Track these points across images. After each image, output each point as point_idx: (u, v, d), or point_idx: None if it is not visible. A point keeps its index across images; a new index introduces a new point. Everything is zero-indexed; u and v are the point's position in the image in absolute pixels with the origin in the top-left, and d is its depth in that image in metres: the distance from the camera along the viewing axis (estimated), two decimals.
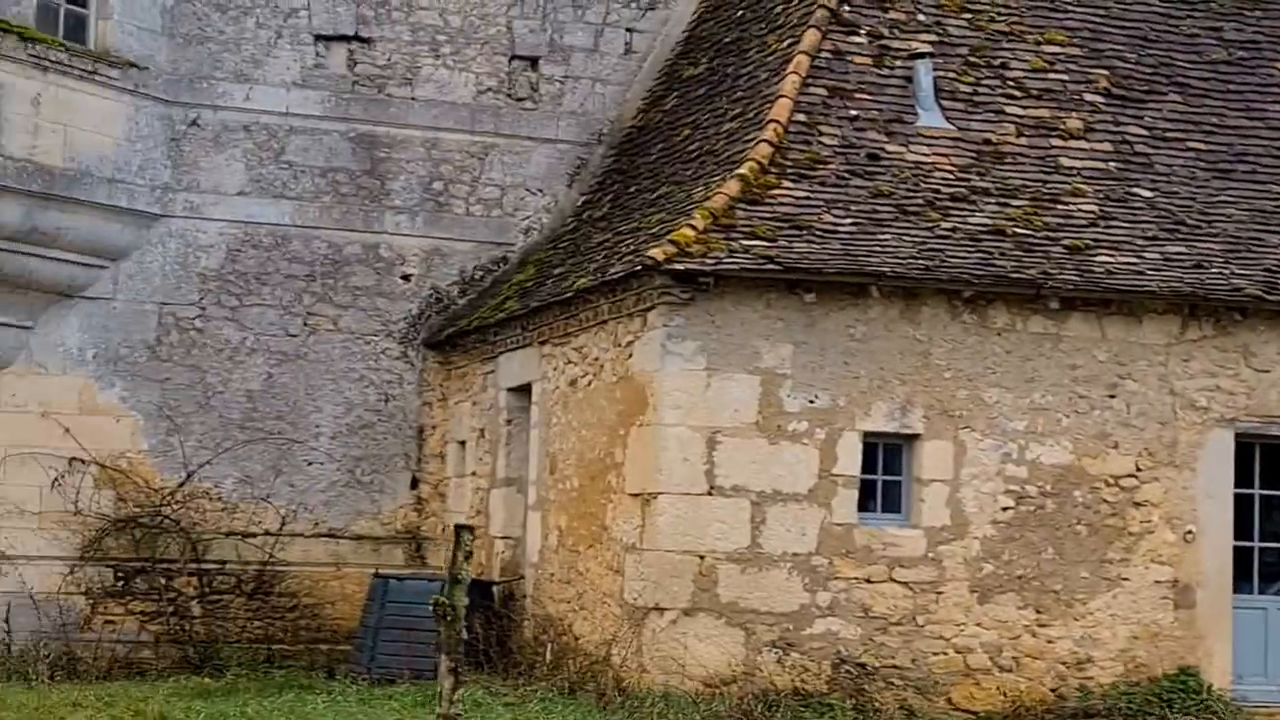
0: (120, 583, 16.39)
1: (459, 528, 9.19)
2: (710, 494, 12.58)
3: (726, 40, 16.63)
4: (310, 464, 17.10)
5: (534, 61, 17.87)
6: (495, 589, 15.41)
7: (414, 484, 17.41)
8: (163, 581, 16.43)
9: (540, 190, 17.86)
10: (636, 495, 12.85)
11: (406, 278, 17.48)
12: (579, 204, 17.69)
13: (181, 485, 16.62)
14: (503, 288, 17.02)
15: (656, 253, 12.44)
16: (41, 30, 15.65)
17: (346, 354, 17.25)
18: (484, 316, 16.31)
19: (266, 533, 16.85)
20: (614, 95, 18.05)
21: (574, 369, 14.24)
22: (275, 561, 16.76)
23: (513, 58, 17.80)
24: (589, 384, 13.93)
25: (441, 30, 17.58)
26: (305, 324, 17.17)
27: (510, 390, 15.76)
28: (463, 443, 16.96)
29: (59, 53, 15.69)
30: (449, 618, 8.58)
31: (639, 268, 12.62)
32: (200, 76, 16.91)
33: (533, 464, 15.12)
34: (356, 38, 17.38)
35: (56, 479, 16.32)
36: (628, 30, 18.13)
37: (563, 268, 15.52)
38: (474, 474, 16.57)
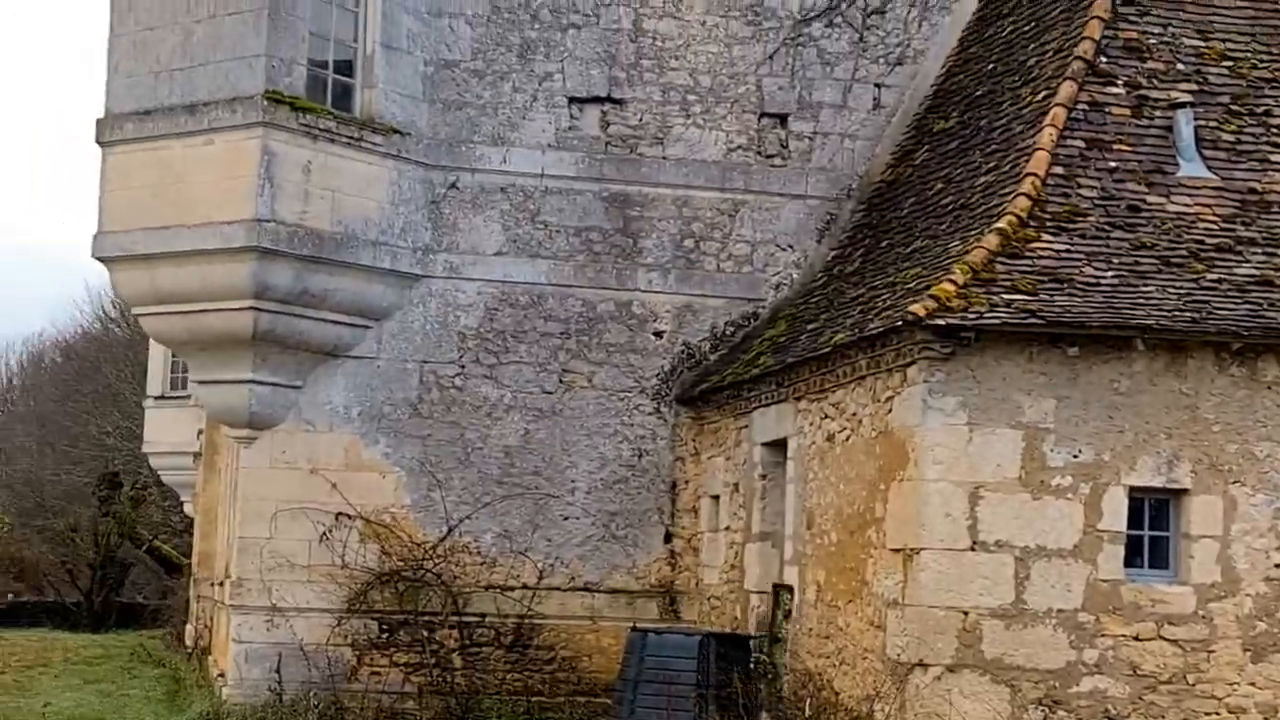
0: (385, 635, 16.82)
1: (777, 586, 9.28)
2: (973, 549, 12.50)
3: (978, 94, 16.59)
4: (566, 519, 17.38)
5: (783, 119, 18.02)
6: (752, 643, 15.47)
7: (667, 538, 17.58)
8: (425, 634, 16.82)
9: (790, 246, 17.98)
10: (898, 550, 12.82)
11: (659, 334, 17.71)
12: (829, 259, 17.76)
13: (443, 540, 17.02)
14: (754, 343, 17.14)
15: (917, 308, 12.44)
16: (311, 99, 16.25)
17: (601, 410, 17.52)
18: (737, 372, 16.44)
19: (524, 586, 17.16)
20: (862, 150, 18.11)
21: (831, 424, 14.28)
22: (533, 615, 17.06)
23: (762, 115, 17.98)
24: (847, 439, 13.96)
25: (692, 90, 17.83)
26: (560, 381, 17.49)
27: (765, 445, 15.85)
28: (716, 497, 17.08)
29: (328, 121, 16.27)
30: (769, 675, 8.65)
31: (899, 323, 12.63)
32: (459, 140, 17.38)
33: (789, 519, 15.17)
34: (609, 99, 17.71)
35: (324, 533, 16.83)
36: (876, 85, 18.19)
37: (816, 323, 15.59)
38: (728, 528, 16.68)
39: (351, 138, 16.46)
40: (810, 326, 15.65)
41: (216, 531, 26.52)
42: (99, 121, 16.88)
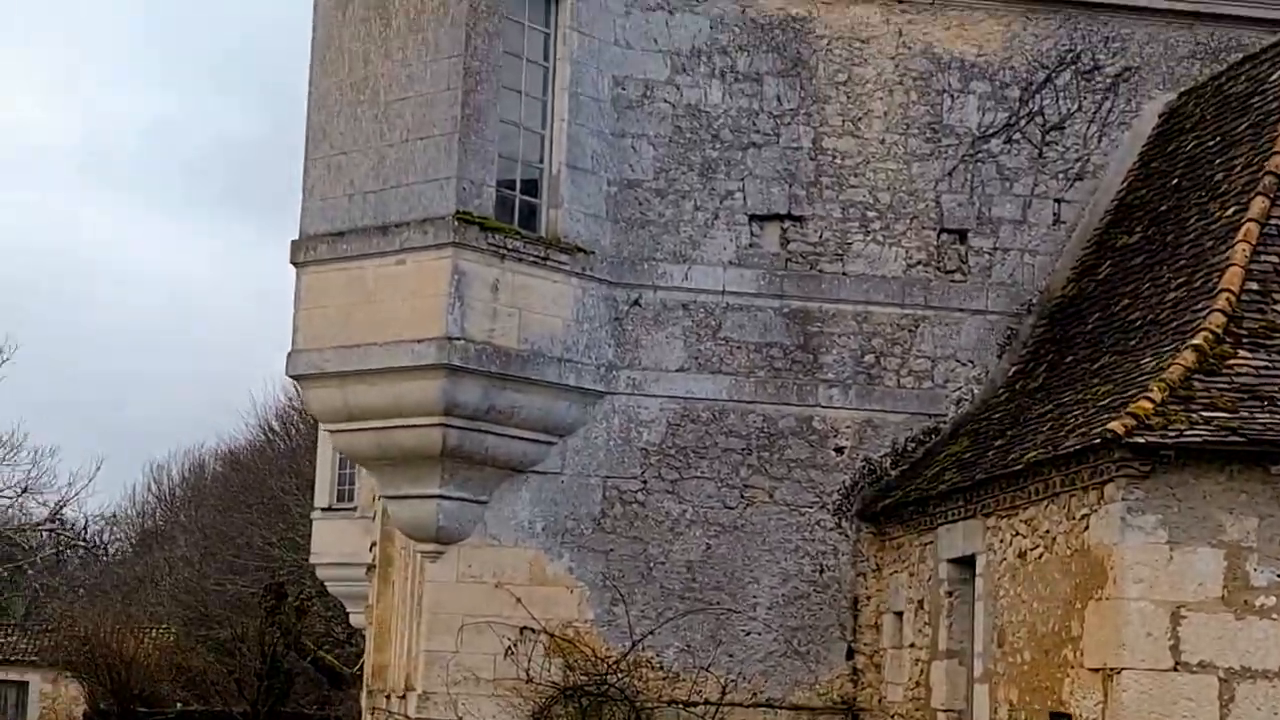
0: None
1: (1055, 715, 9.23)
2: (1176, 670, 12.34)
3: (1162, 209, 16.54)
4: (748, 634, 17.38)
5: (963, 234, 18.08)
6: None
7: (850, 654, 17.50)
8: None
9: (970, 361, 17.96)
10: (1097, 670, 12.68)
11: (839, 450, 17.73)
12: (1010, 374, 17.72)
13: (626, 654, 17.09)
14: (937, 459, 17.11)
15: (1116, 426, 12.39)
16: (498, 219, 16.61)
17: (782, 525, 17.55)
18: (921, 488, 16.41)
19: (707, 702, 17.15)
20: (1042, 265, 18.09)
21: (1023, 541, 14.20)
22: None
23: (941, 231, 18.05)
24: (1040, 556, 13.86)
25: (871, 207, 17.96)
26: (742, 496, 17.56)
27: (951, 561, 15.77)
28: (899, 613, 17.00)
29: (515, 240, 16.60)
30: None
31: (1097, 441, 12.57)
32: (642, 258, 17.64)
33: (978, 636, 15.06)
34: (789, 216, 17.89)
35: (510, 647, 16.98)
36: (1055, 201, 18.20)
37: (1003, 440, 15.54)
38: (913, 645, 16.57)
39: (538, 256, 16.77)
40: (997, 443, 15.60)
41: (390, 644, 26.82)
42: (294, 243, 17.37)
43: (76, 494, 59.46)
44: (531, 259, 16.71)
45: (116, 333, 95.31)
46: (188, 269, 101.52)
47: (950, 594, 15.81)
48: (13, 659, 62.28)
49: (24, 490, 38.12)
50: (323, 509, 44.93)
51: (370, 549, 30.42)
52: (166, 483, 73.80)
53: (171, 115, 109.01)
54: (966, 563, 15.50)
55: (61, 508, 45.67)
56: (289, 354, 17.24)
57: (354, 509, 44.43)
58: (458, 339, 16.16)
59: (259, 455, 63.44)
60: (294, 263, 17.35)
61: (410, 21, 16.79)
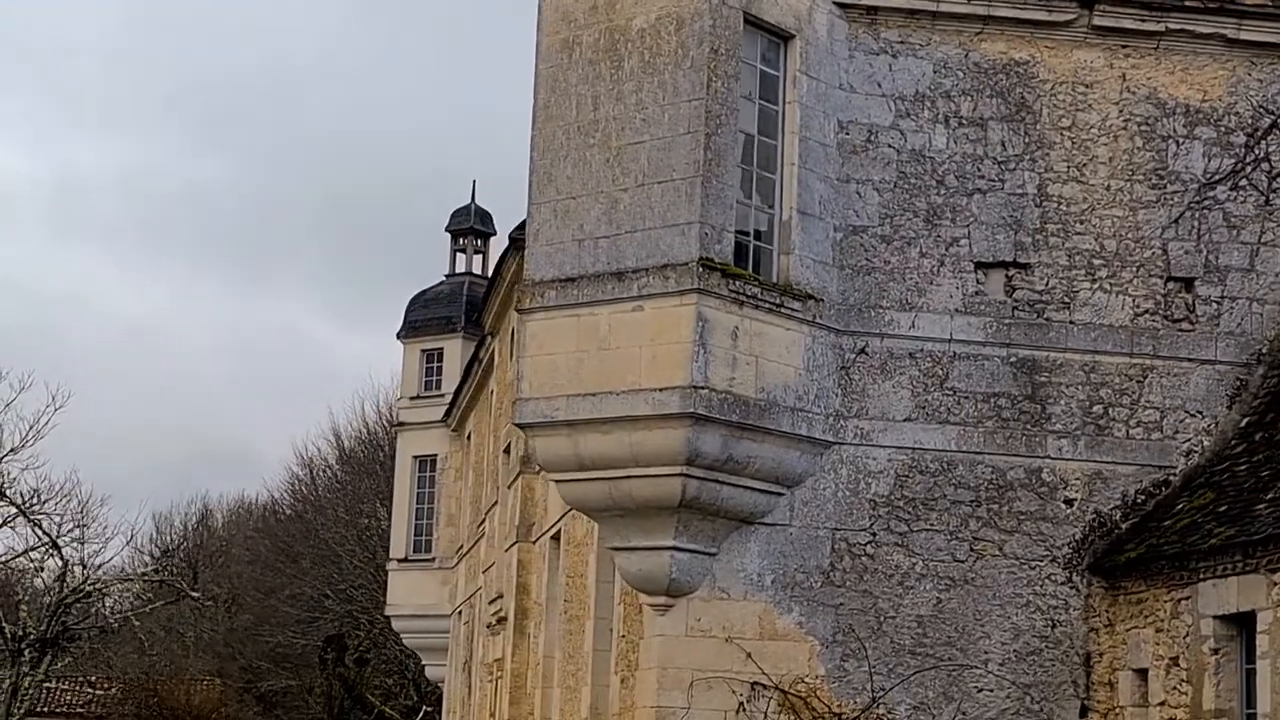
0: None
1: None
2: None
3: None
4: (980, 690, 16.96)
5: (1189, 283, 17.76)
6: None
7: (1083, 712, 17.08)
8: None
9: (1199, 412, 17.61)
10: None
11: (1069, 502, 17.35)
12: (1242, 425, 17.37)
13: (864, 711, 16.65)
14: (1174, 512, 16.74)
15: None
16: (736, 265, 16.28)
17: (1012, 579, 17.16)
18: (1171, 542, 16.03)
19: None
20: (1271, 315, 17.78)
21: None
22: None
23: (1168, 279, 17.73)
24: None
25: (1097, 254, 17.64)
26: (971, 549, 17.17)
27: (1218, 618, 15.36)
28: (1141, 671, 16.57)
29: (753, 287, 16.28)
30: None
31: None
32: (867, 306, 17.30)
33: (1262, 696, 14.65)
34: (1015, 264, 17.56)
35: (741, 704, 16.56)
36: None
37: (1273, 492, 15.16)
38: (1163, 704, 16.15)
39: (773, 303, 16.44)
40: (1268, 496, 15.23)
41: (527, 698, 26.33)
42: (519, 289, 17.01)
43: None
44: (768, 306, 16.38)
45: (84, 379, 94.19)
46: (155, 313, 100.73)
47: (1215, 651, 15.40)
48: (58, 710, 61.63)
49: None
50: (399, 560, 44.57)
51: (493, 602, 29.93)
52: (220, 531, 73.19)
53: (139, 163, 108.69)
54: (1237, 620, 15.10)
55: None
56: (515, 402, 16.87)
57: (432, 560, 44.12)
58: (701, 387, 15.80)
59: (310, 506, 62.86)
60: (519, 310, 17.01)
61: (645, 64, 16.49)
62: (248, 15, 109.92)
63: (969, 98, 17.69)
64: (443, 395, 41.14)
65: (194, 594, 37.67)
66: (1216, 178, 17.78)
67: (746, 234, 16.60)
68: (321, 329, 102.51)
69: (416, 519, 44.27)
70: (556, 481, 17.39)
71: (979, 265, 17.55)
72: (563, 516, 22.78)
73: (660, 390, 15.90)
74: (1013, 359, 17.46)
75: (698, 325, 15.84)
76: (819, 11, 17.22)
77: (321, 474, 65.49)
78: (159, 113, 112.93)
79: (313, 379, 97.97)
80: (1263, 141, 17.87)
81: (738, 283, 16.12)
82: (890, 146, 17.53)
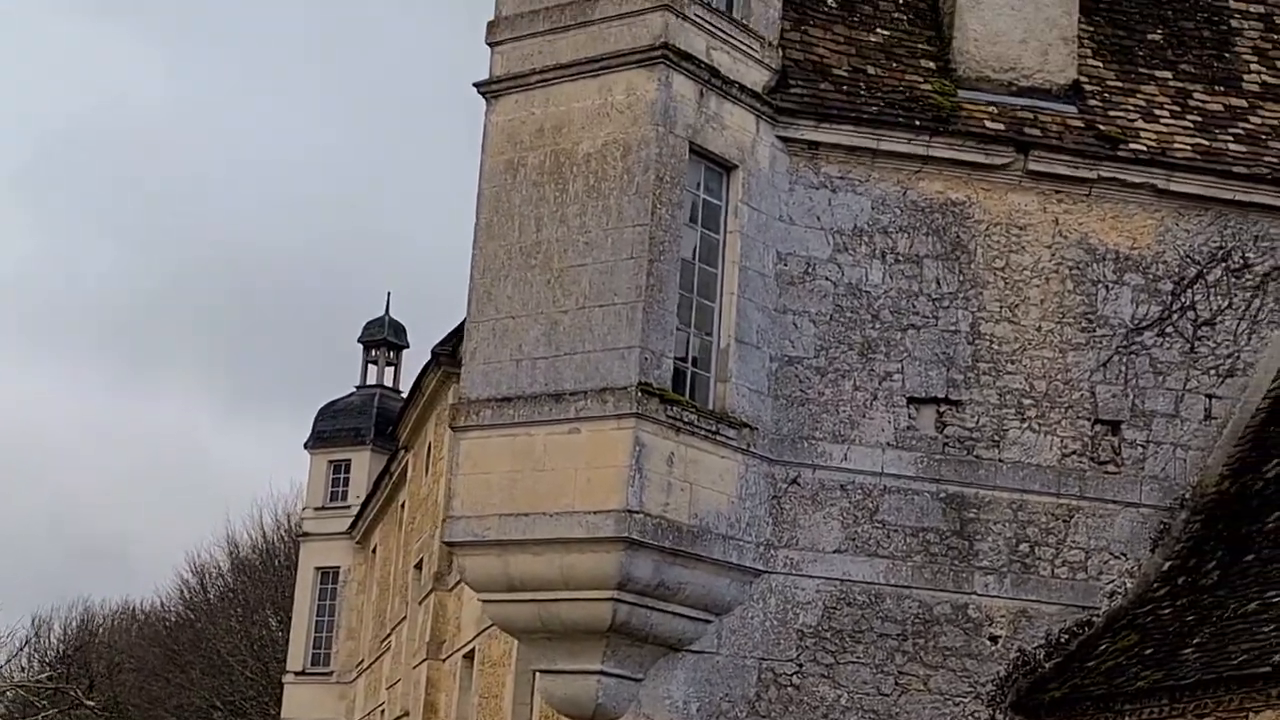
0: None
1: None
2: None
3: None
4: None
5: (1115, 426, 18.00)
6: None
7: None
8: None
9: (1123, 554, 17.80)
10: None
11: (994, 639, 17.43)
12: (1165, 569, 17.56)
13: None
14: (1097, 653, 16.87)
15: None
16: (674, 391, 16.34)
17: (936, 715, 17.17)
18: (1098, 683, 16.13)
19: None
20: (1194, 460, 18.05)
21: None
22: None
23: (1095, 422, 17.96)
24: None
25: (1027, 394, 17.86)
26: (897, 683, 17.18)
27: None
28: None
29: (690, 414, 16.32)
30: None
31: None
32: (801, 436, 17.39)
33: None
34: (946, 400, 17.74)
35: None
36: (1207, 396, 18.20)
37: (1200, 638, 15.33)
38: None
39: (710, 431, 16.49)
40: (1194, 640, 15.40)
41: None
42: (453, 407, 16.97)
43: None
44: (704, 433, 16.43)
45: None
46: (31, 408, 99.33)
47: None
48: None
49: None
50: (296, 672, 43.94)
51: (351, 714, 29.51)
52: (107, 638, 71.62)
53: (36, 258, 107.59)
54: None
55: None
56: (444, 521, 16.75)
57: (330, 673, 43.53)
58: (636, 512, 15.78)
59: (202, 614, 61.77)
60: (454, 427, 16.95)
61: (590, 188, 16.61)
62: (153, 120, 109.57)
63: (906, 235, 17.94)
64: (348, 507, 40.86)
65: (89, 703, 36.81)
66: (1144, 324, 18.13)
67: (684, 360, 16.68)
68: (216, 434, 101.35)
69: (316, 631, 43.77)
70: (484, 602, 17.25)
71: (911, 400, 17.71)
72: (477, 635, 22.60)
73: (595, 513, 15.85)
74: (942, 494, 17.59)
75: (635, 450, 15.85)
76: (762, 144, 17.45)
77: (214, 581, 64.50)
78: (53, 205, 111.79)
79: (205, 484, 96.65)
80: (1189, 290, 18.27)
81: (675, 409, 16.16)
82: (827, 279, 17.72)
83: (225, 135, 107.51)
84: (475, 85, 17.12)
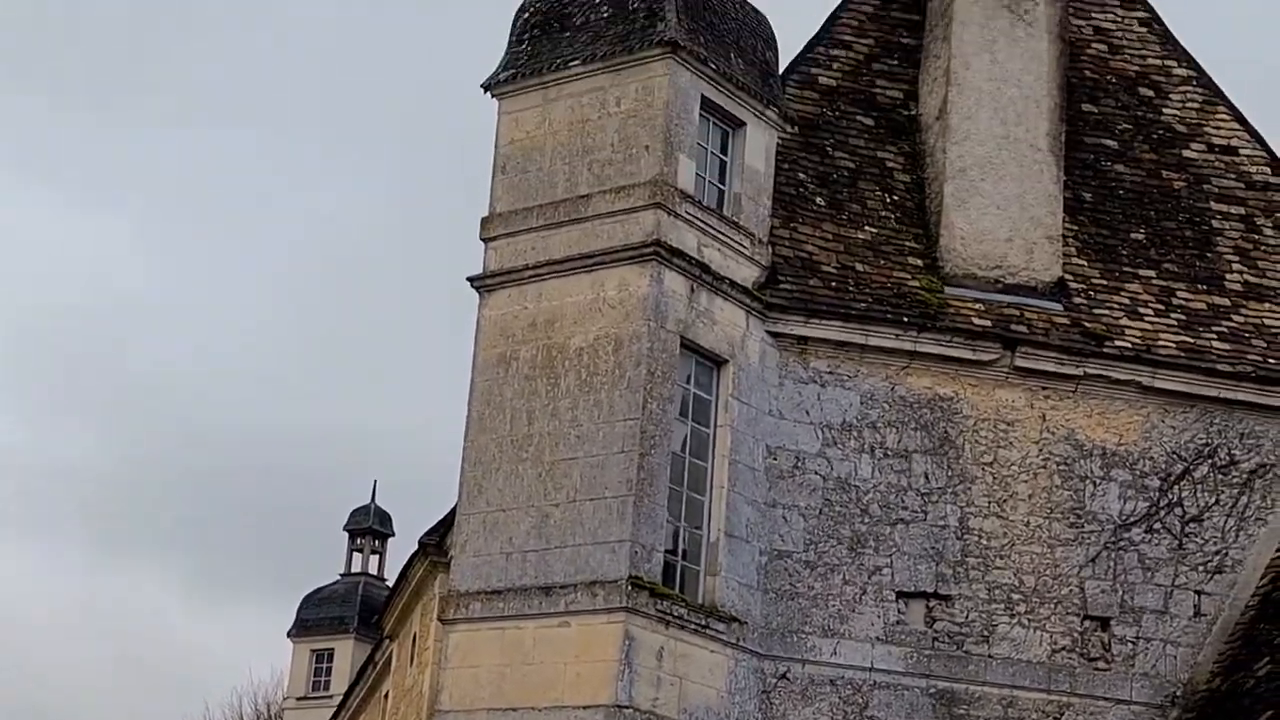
0: None
1: None
2: None
3: None
4: None
5: (1105, 622, 17.98)
6: None
7: None
8: None
9: None
10: None
11: None
12: None
13: None
14: None
15: None
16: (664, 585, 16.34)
17: None
18: None
19: None
20: (1184, 657, 18.00)
21: None
22: None
23: (1085, 617, 17.94)
24: None
25: (1016, 589, 17.87)
26: None
27: None
28: None
29: (680, 608, 16.32)
30: None
31: None
32: (790, 630, 17.34)
33: None
34: (936, 595, 17.73)
35: None
36: (1196, 593, 18.21)
37: None
38: None
39: (699, 625, 16.47)
40: None
41: None
42: (443, 599, 16.97)
43: None
44: (694, 627, 16.41)
45: None
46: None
47: None
48: None
49: None
50: None
51: None
52: None
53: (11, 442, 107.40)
54: None
55: None
56: (432, 715, 16.66)
57: None
58: (626, 707, 15.71)
59: None
60: (443, 620, 16.93)
61: (582, 382, 16.76)
62: (133, 304, 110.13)
63: (894, 429, 18.07)
64: (331, 697, 40.42)
65: None
66: (1132, 520, 18.20)
67: (674, 553, 16.70)
68: (195, 619, 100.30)
69: None
70: None
71: (900, 595, 17.70)
72: None
73: (585, 708, 15.77)
74: (932, 690, 17.50)
75: (625, 644, 15.81)
76: (752, 339, 17.65)
77: None
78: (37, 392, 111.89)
79: (185, 670, 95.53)
80: (1176, 487, 18.37)
81: (665, 603, 16.16)
82: (817, 473, 17.80)
83: (209, 320, 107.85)
84: (469, 279, 17.36)
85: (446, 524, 20.32)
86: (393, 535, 43.38)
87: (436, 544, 21.17)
